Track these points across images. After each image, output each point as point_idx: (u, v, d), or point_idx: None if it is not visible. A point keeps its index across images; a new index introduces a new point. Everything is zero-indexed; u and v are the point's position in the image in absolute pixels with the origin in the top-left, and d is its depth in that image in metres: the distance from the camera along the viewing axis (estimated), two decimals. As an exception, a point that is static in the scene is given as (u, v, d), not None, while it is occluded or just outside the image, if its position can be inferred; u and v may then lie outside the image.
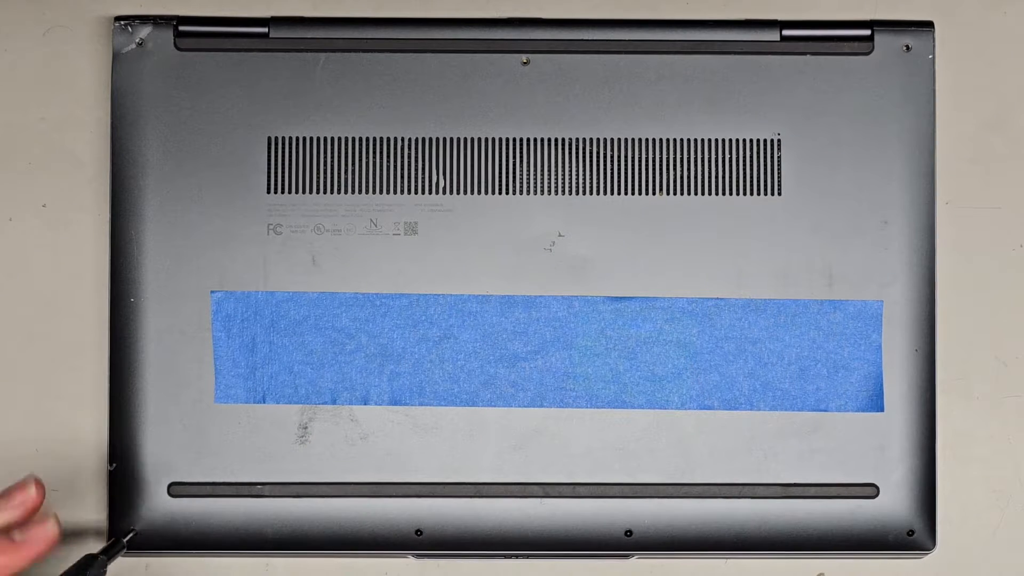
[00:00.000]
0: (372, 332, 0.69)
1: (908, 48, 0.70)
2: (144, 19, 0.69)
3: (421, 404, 0.69)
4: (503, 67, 0.69)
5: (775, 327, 0.69)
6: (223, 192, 0.69)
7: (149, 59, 0.69)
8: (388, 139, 0.69)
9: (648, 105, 0.69)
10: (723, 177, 0.69)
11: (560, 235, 0.69)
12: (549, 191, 0.69)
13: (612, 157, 0.69)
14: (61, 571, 0.63)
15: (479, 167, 0.69)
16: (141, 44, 0.69)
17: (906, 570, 0.71)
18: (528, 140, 0.69)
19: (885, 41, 0.70)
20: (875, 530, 0.69)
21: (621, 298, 0.69)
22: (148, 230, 0.69)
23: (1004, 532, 0.71)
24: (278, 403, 0.69)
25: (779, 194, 0.69)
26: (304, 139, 0.69)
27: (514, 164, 0.69)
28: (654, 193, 0.69)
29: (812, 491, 0.69)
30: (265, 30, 0.70)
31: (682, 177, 0.69)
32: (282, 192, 0.69)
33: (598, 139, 0.69)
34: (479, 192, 0.69)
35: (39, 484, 0.63)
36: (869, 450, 0.68)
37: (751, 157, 0.69)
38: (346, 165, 0.69)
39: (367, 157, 0.69)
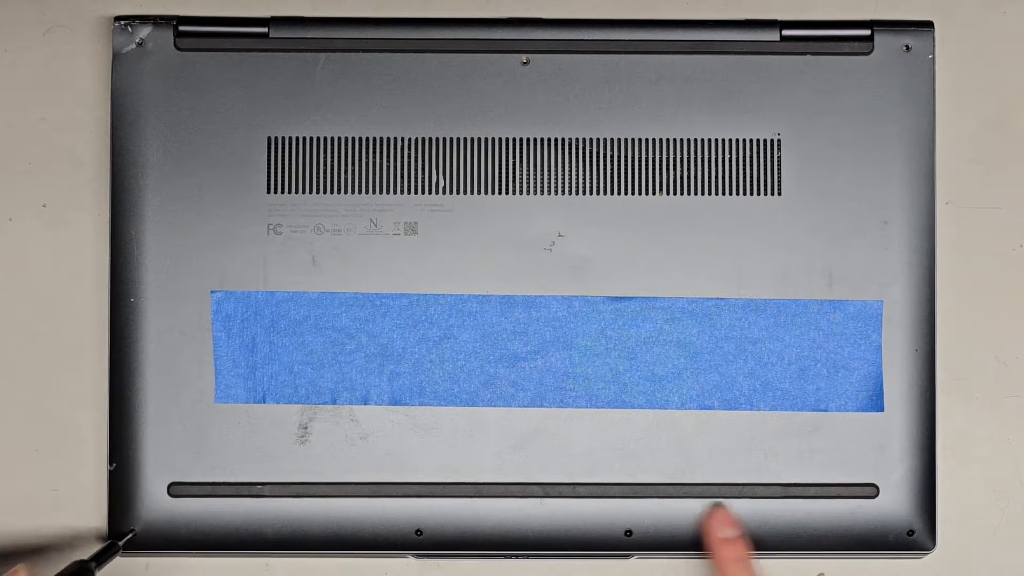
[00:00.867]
0: (372, 332, 0.69)
1: (908, 48, 0.70)
2: (144, 19, 0.69)
3: (421, 404, 0.69)
4: (503, 67, 0.69)
5: (775, 327, 0.69)
6: (223, 192, 0.69)
7: (149, 59, 0.69)
8: (388, 139, 0.69)
9: (648, 105, 0.69)
10: (723, 177, 0.69)
11: (560, 235, 0.69)
12: (549, 191, 0.69)
13: (612, 157, 0.69)
14: (53, 576, 0.64)
15: (479, 167, 0.69)
16: (141, 44, 0.69)
17: (906, 570, 0.71)
18: (528, 140, 0.69)
19: (885, 41, 0.70)
20: (875, 530, 0.69)
21: (621, 298, 0.69)
22: (148, 230, 0.69)
23: (1004, 532, 0.71)
24: (278, 403, 0.69)
25: (779, 194, 0.69)
26: (304, 139, 0.69)
27: (514, 164, 0.69)
28: (654, 193, 0.69)
29: (812, 491, 0.69)
30: (265, 30, 0.70)
31: (682, 177, 0.69)
32: (282, 192, 0.69)
33: (598, 139, 0.69)
34: (479, 192, 0.69)
35: None
36: (869, 450, 0.68)
37: (751, 157, 0.69)
38: (346, 165, 0.69)
39: (367, 157, 0.69)
